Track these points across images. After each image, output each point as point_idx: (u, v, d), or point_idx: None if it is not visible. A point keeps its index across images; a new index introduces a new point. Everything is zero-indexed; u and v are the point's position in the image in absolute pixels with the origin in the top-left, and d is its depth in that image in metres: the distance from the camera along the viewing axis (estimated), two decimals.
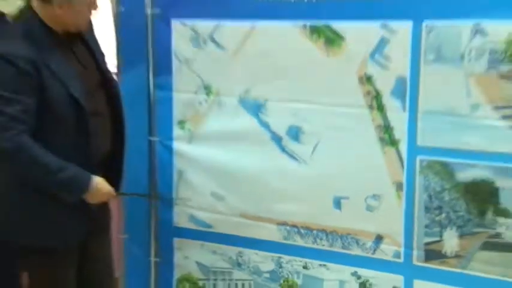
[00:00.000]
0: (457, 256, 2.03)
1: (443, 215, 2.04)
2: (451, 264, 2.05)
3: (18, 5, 2.27)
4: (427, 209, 2.06)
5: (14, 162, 1.95)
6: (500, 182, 1.93)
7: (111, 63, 2.38)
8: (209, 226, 2.44)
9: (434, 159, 2.04)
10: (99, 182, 2.07)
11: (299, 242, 2.30)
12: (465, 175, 1.99)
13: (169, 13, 2.36)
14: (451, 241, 2.04)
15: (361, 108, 2.11)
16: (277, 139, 2.26)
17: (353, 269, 2.23)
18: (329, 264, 2.27)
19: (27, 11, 2.04)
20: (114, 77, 2.33)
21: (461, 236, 2.02)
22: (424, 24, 1.96)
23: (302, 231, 2.29)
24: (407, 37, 1.99)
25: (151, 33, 2.39)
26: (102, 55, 2.24)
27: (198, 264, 2.50)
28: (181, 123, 2.43)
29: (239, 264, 2.43)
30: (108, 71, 2.23)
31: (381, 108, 2.08)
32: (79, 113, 2.00)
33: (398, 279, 2.16)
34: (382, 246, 2.16)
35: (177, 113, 2.43)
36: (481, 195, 1.98)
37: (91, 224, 2.17)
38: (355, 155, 2.15)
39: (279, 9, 2.17)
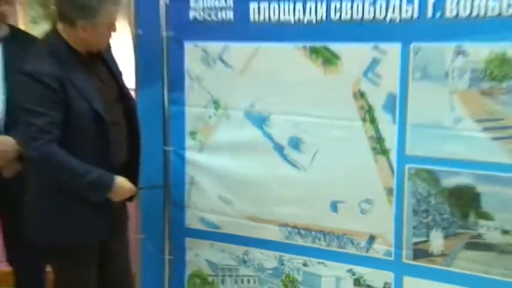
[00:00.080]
0: (442, 255, 2.04)
1: (430, 218, 2.05)
2: (437, 262, 2.05)
3: (46, 28, 2.30)
4: (415, 212, 2.06)
5: (43, 169, 1.98)
6: (481, 188, 1.94)
7: (129, 79, 2.38)
8: (218, 227, 2.44)
9: (421, 167, 2.04)
10: (121, 181, 2.09)
11: (299, 241, 2.29)
12: (449, 181, 1.99)
13: (182, 36, 2.36)
14: (437, 241, 2.04)
15: (355, 121, 2.11)
16: (279, 149, 2.26)
17: (348, 266, 2.23)
18: (327, 262, 2.26)
19: (53, 34, 2.06)
20: (131, 92, 2.33)
21: (446, 236, 2.02)
22: (411, 46, 1.97)
23: (302, 231, 2.28)
24: (396, 57, 2.00)
25: (166, 54, 2.39)
26: (119, 72, 2.25)
27: (208, 261, 2.49)
28: (192, 134, 2.42)
29: (245, 262, 2.42)
30: (125, 86, 2.25)
31: (373, 121, 2.08)
32: (100, 124, 2.02)
33: (389, 275, 2.16)
34: (375, 245, 2.16)
35: (189, 125, 2.43)
36: (464, 199, 1.98)
37: (113, 224, 2.19)
38: (350, 163, 2.14)
39: (281, 32, 2.17)
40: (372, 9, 2.00)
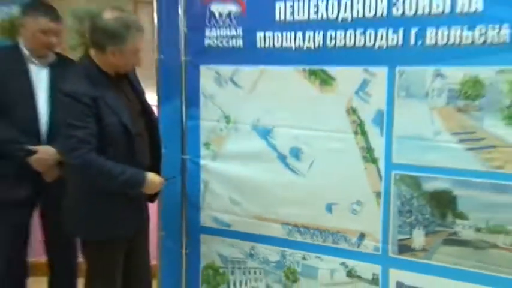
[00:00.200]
0: (423, 250, 2.03)
1: (413, 217, 2.04)
2: (419, 256, 2.04)
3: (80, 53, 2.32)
4: (400, 213, 2.06)
5: (85, 174, 1.99)
6: (457, 192, 1.94)
7: (152, 97, 2.40)
8: (228, 225, 2.43)
9: (405, 173, 2.04)
10: (151, 176, 2.10)
11: (299, 238, 2.28)
12: (430, 186, 2.00)
13: (198, 60, 2.37)
14: (419, 238, 2.04)
15: (348, 134, 2.11)
16: (281, 157, 2.26)
17: (341, 259, 2.21)
18: (323, 256, 2.25)
19: (86, 58, 2.07)
20: (153, 107, 2.33)
21: (427, 234, 2.02)
22: (397, 69, 1.98)
23: (301, 229, 2.27)
24: (383, 79, 2.01)
25: (184, 75, 2.40)
26: (142, 90, 2.26)
27: (219, 255, 2.48)
28: (206, 144, 2.42)
29: (252, 256, 2.41)
30: (147, 103, 2.25)
31: (363, 133, 2.09)
32: (127, 135, 2.03)
33: (377, 268, 2.15)
34: (365, 242, 2.15)
35: (203, 137, 2.43)
36: (442, 201, 1.98)
37: (140, 221, 2.22)
38: (343, 170, 2.14)
39: (283, 57, 2.18)
40: (362, 37, 2.02)
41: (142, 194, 2.16)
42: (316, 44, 2.11)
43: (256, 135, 2.31)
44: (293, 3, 2.13)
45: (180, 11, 2.35)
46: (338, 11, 2.05)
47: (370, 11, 1.99)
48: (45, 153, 2.37)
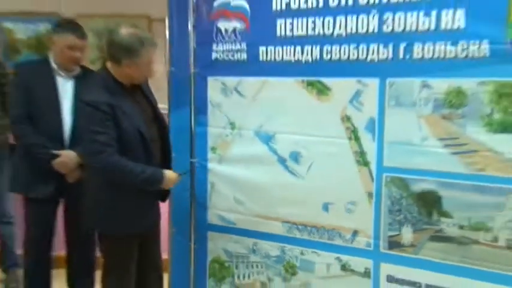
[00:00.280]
0: (411, 245, 2.03)
1: (402, 216, 2.04)
2: (407, 251, 2.04)
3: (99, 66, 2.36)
4: (390, 212, 2.06)
5: (110, 175, 2.02)
6: (442, 192, 1.95)
7: (163, 105, 2.43)
8: (233, 223, 2.42)
9: (395, 175, 2.04)
10: (168, 173, 2.15)
11: (297, 235, 2.28)
12: (417, 187, 2.00)
13: (206, 72, 2.38)
14: (407, 235, 2.04)
15: (343, 139, 2.11)
16: (282, 161, 2.26)
17: (336, 254, 2.21)
18: (319, 251, 2.25)
19: (103, 70, 2.10)
20: (164, 115, 2.36)
21: (415, 231, 2.02)
22: (387, 80, 2.00)
23: (300, 227, 2.27)
24: (375, 89, 2.03)
25: (193, 86, 2.40)
26: (154, 99, 2.29)
27: (225, 250, 2.48)
28: (213, 149, 2.43)
29: (254, 251, 2.40)
30: (159, 110, 2.28)
31: (357, 139, 2.09)
32: (143, 141, 2.07)
33: (369, 262, 2.14)
34: (358, 238, 2.15)
35: (210, 142, 2.43)
36: (429, 201, 1.99)
37: (154, 217, 2.25)
38: (338, 173, 2.14)
39: (283, 69, 2.19)
40: (355, 51, 2.03)
41: (155, 193, 2.18)
42: (314, 58, 2.13)
43: (259, 141, 2.31)
44: (292, 20, 2.14)
45: (190, 28, 2.36)
46: (333, 28, 2.06)
47: (362, 27, 2.01)
48: (67, 157, 2.42)
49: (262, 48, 2.23)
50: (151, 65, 2.09)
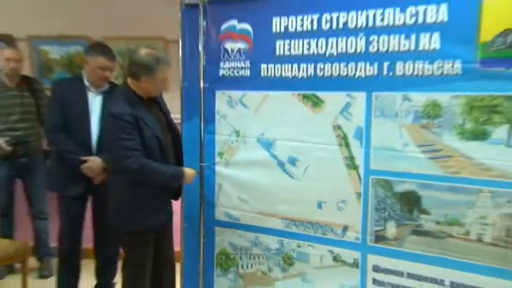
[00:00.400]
0: (395, 239, 2.04)
1: (386, 213, 2.05)
2: (391, 244, 2.05)
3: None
4: (376, 209, 2.07)
5: (138, 175, 2.02)
6: (421, 192, 1.96)
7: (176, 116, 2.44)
8: (237, 219, 2.42)
9: (380, 177, 2.05)
10: (187, 169, 2.18)
11: (294, 230, 2.28)
12: (400, 188, 2.01)
13: (214, 86, 2.39)
14: (391, 230, 2.05)
15: (334, 146, 2.12)
16: (281, 164, 2.26)
17: (329, 247, 2.21)
18: (314, 244, 2.24)
19: (124, 85, 2.13)
20: (177, 124, 2.38)
21: (398, 226, 2.03)
22: (373, 94, 2.01)
23: (296, 223, 2.27)
24: (363, 101, 2.04)
25: (203, 99, 2.41)
26: (167, 110, 2.30)
27: (230, 243, 2.47)
28: (220, 154, 2.42)
29: (256, 244, 2.40)
30: (172, 120, 2.29)
31: (347, 145, 2.10)
32: (160, 146, 2.09)
33: (357, 254, 2.15)
34: (348, 233, 2.15)
35: (217, 148, 2.43)
36: (410, 200, 2.00)
37: (168, 215, 2.25)
38: (331, 175, 2.15)
39: (282, 84, 2.20)
40: (345, 68, 2.05)
41: (170, 193, 2.19)
42: (309, 74, 2.14)
43: (260, 147, 2.31)
44: (290, 41, 2.15)
45: (200, 48, 2.37)
46: (326, 48, 2.08)
47: (351, 48, 2.02)
48: (93, 163, 2.45)
49: (263, 66, 2.24)
50: (165, 80, 2.11)
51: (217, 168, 2.44)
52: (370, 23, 1.98)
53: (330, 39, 2.08)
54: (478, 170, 1.85)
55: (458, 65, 1.83)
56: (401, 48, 1.93)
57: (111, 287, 2.74)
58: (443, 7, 1.82)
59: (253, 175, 2.35)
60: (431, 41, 1.86)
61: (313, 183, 2.21)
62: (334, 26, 2.06)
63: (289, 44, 2.17)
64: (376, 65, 1.99)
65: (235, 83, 2.33)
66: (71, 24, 3.15)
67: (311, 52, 2.13)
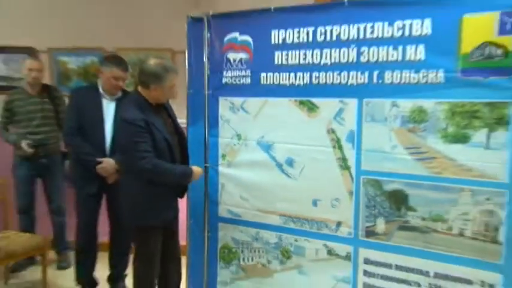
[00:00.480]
0: (384, 234, 2.05)
1: (376, 210, 2.06)
2: (381, 238, 2.06)
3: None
4: (367, 207, 2.08)
5: (151, 175, 2.02)
6: (408, 191, 1.98)
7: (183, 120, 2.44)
8: (239, 216, 2.42)
9: (371, 177, 2.06)
10: (195, 168, 2.18)
11: (292, 225, 2.28)
12: (388, 187, 2.02)
13: (217, 93, 2.39)
14: (381, 225, 2.06)
15: (329, 148, 2.13)
16: (279, 165, 2.27)
17: (324, 241, 2.21)
18: (309, 239, 2.24)
19: (135, 92, 2.13)
20: (183, 128, 2.37)
21: (387, 222, 2.04)
22: (364, 100, 2.02)
23: (294, 219, 2.27)
24: (354, 107, 2.05)
25: (207, 104, 2.42)
26: (174, 115, 2.29)
27: (232, 238, 2.47)
28: (223, 156, 2.42)
29: (256, 239, 2.39)
30: (178, 124, 2.29)
31: (340, 148, 2.11)
32: (169, 148, 2.09)
33: (350, 248, 2.15)
34: (341, 228, 2.15)
35: (221, 150, 2.43)
36: (398, 198, 2.01)
37: (175, 212, 2.25)
38: (325, 175, 2.15)
39: (280, 91, 2.21)
40: (338, 77, 2.06)
41: (176, 191, 2.18)
42: (305, 82, 2.15)
43: (260, 149, 2.31)
44: (287, 52, 2.17)
45: (205, 59, 2.38)
46: (320, 58, 2.09)
47: (343, 58, 2.04)
48: (107, 164, 2.47)
49: (263, 74, 2.25)
50: (173, 88, 2.11)
51: (221, 168, 2.45)
52: (361, 35, 2.00)
53: (324, 50, 2.09)
54: (460, 171, 1.87)
55: (441, 74, 1.86)
56: (390, 59, 1.95)
57: (122, 277, 2.76)
58: (427, 21, 1.85)
59: (253, 175, 2.35)
60: (416, 52, 1.89)
61: (309, 183, 2.21)
62: (328, 38, 2.07)
63: (287, 55, 2.18)
64: (366, 74, 2.01)
65: (237, 90, 2.34)
66: (87, 37, 3.18)
67: (307, 62, 2.14)
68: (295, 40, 2.16)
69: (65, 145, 2.87)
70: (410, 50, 1.90)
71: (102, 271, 2.78)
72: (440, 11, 1.83)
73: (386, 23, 1.94)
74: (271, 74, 2.24)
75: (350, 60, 2.04)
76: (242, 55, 2.30)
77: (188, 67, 2.46)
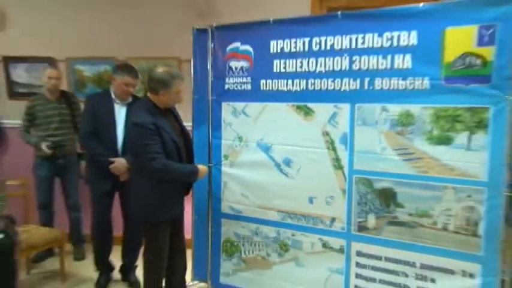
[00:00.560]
0: (375, 229, 2.06)
1: (367, 207, 2.07)
2: (372, 233, 2.07)
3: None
4: (359, 204, 2.08)
5: (163, 174, 2.02)
6: (397, 189, 1.99)
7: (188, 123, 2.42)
8: (240, 212, 2.42)
9: (362, 176, 2.06)
10: (200, 166, 2.17)
11: (289, 221, 2.28)
12: (378, 185, 2.03)
13: (220, 99, 2.41)
14: (371, 221, 2.06)
15: (323, 149, 2.14)
16: (277, 165, 2.27)
17: (319, 236, 2.21)
18: (306, 233, 2.25)
19: (145, 98, 2.12)
20: (189, 131, 2.33)
21: (377, 218, 2.05)
22: (356, 105, 2.04)
23: (291, 215, 2.27)
24: (347, 112, 2.06)
25: (211, 109, 2.43)
26: (180, 119, 2.26)
27: (234, 233, 2.47)
28: (226, 156, 2.43)
29: (256, 233, 2.40)
30: (184, 127, 2.26)
31: (334, 149, 2.12)
32: (177, 148, 2.08)
33: (343, 241, 2.16)
34: (335, 223, 2.16)
35: (223, 151, 2.44)
36: (387, 196, 2.02)
37: (181, 207, 2.24)
38: (320, 174, 2.16)
39: (279, 96, 2.22)
40: (332, 83, 2.08)
41: (183, 188, 2.18)
42: (301, 88, 2.16)
43: (260, 150, 2.32)
44: (285, 60, 2.18)
45: (209, 66, 2.40)
46: (316, 66, 2.11)
47: (337, 66, 2.06)
48: (119, 163, 2.47)
49: (262, 81, 2.26)
50: (180, 93, 2.11)
51: (223, 168, 2.46)
52: (353, 45, 2.02)
53: (319, 59, 2.11)
54: (444, 170, 1.88)
55: (426, 82, 1.88)
56: (379, 67, 1.97)
57: (133, 268, 2.77)
58: (414, 33, 1.88)
59: (254, 174, 2.36)
60: (404, 61, 1.91)
61: (305, 182, 2.22)
62: (323, 47, 2.09)
63: (285, 63, 2.20)
64: (358, 81, 2.02)
65: (239, 95, 2.35)
66: (101, 47, 3.21)
67: (303, 69, 2.15)
68: (293, 49, 2.17)
69: (81, 147, 2.91)
70: (398, 59, 1.92)
71: (115, 263, 2.80)
72: (426, 24, 1.85)
73: (376, 34, 1.96)
74: (270, 80, 2.25)
75: (343, 68, 2.05)
76: (243, 63, 2.31)
77: (193, 74, 2.49)
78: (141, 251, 2.30)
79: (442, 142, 1.88)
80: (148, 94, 2.10)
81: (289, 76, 2.20)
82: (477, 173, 1.82)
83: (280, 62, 2.21)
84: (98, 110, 2.53)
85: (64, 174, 3.06)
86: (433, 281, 1.96)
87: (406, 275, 2.02)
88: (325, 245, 2.22)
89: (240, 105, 2.37)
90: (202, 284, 2.63)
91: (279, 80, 2.22)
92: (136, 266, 2.77)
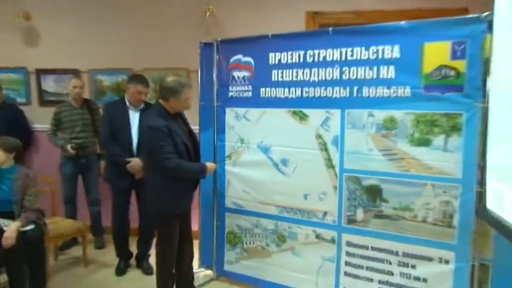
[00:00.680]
0: (362, 221, 2.06)
1: (356, 202, 2.08)
2: (360, 225, 2.08)
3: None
4: (348, 199, 2.09)
5: (175, 172, 2.02)
6: (382, 186, 2.00)
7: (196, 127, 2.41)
8: (242, 207, 2.43)
9: (351, 175, 2.07)
10: (208, 164, 2.18)
11: (286, 215, 2.29)
12: (366, 182, 2.03)
13: (225, 105, 2.42)
14: (360, 214, 2.07)
15: (317, 150, 2.15)
16: (275, 164, 2.28)
17: (313, 228, 2.22)
18: (301, 226, 2.25)
19: (157, 104, 2.11)
20: (196, 134, 2.32)
21: (365, 211, 2.05)
22: (346, 111, 2.05)
23: (288, 210, 2.28)
24: (338, 116, 2.07)
25: (216, 114, 2.44)
26: (188, 122, 2.25)
27: (237, 225, 2.47)
28: (229, 156, 2.43)
29: (257, 226, 2.40)
30: (192, 130, 2.25)
31: (326, 150, 2.12)
32: (187, 149, 2.09)
33: (334, 233, 2.16)
34: (327, 217, 2.16)
35: (227, 152, 2.44)
36: (373, 192, 2.03)
37: (190, 201, 2.24)
38: (314, 173, 2.16)
39: (277, 102, 2.22)
40: (324, 91, 2.09)
41: (192, 184, 2.17)
42: (297, 95, 2.17)
43: (260, 151, 2.33)
44: (283, 71, 2.19)
45: (214, 76, 2.42)
46: (310, 76, 2.13)
47: (329, 76, 2.08)
48: (135, 163, 2.50)
49: (262, 89, 2.28)
50: (188, 100, 2.11)
51: (227, 167, 2.46)
52: (343, 58, 2.04)
53: (313, 69, 2.12)
54: (423, 169, 1.91)
55: (408, 90, 1.90)
56: (367, 77, 1.99)
57: (147, 256, 2.80)
58: (396, 47, 1.91)
59: (254, 173, 2.37)
60: (388, 72, 1.94)
61: (300, 179, 2.23)
62: (316, 59, 2.11)
63: (282, 73, 2.21)
64: (348, 89, 2.04)
65: (241, 102, 2.37)
66: (118, 60, 3.27)
67: (298, 79, 2.17)
68: (289, 61, 2.19)
69: (100, 149, 2.99)
70: (383, 70, 1.95)
71: (131, 250, 2.83)
72: (406, 39, 1.88)
73: (363, 48, 1.98)
74: (269, 88, 2.27)
75: (334, 77, 2.07)
76: (245, 73, 2.33)
77: (200, 83, 2.50)
78: (154, 241, 2.30)
79: (422, 144, 1.89)
80: (160, 101, 2.11)
81: (286, 85, 2.21)
82: (452, 171, 1.84)
83: (278, 72, 2.23)
84: (115, 116, 2.56)
85: (86, 172, 3.10)
86: (413, 267, 1.98)
87: (390, 263, 2.03)
88: (318, 236, 2.23)
89: (242, 110, 2.38)
90: (208, 271, 2.63)
91: (277, 88, 2.24)
92: (149, 255, 2.78)
